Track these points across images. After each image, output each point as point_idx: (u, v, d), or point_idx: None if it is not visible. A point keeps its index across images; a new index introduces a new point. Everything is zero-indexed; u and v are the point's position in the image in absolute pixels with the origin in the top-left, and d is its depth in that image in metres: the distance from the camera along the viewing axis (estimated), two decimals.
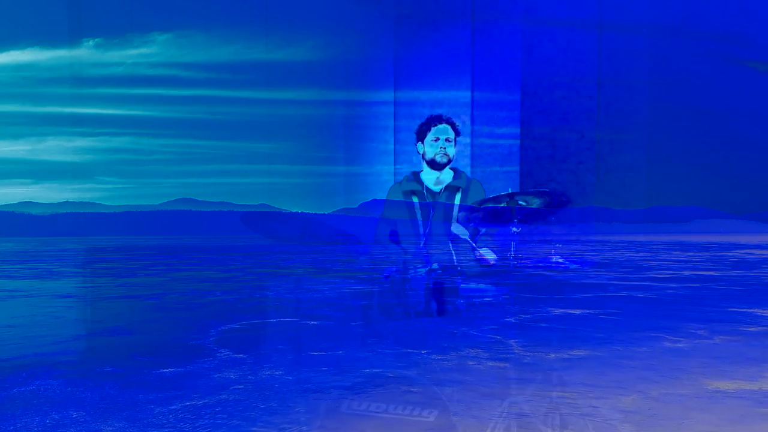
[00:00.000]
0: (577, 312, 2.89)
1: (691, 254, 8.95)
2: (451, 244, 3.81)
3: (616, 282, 4.40)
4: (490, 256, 3.52)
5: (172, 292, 3.91)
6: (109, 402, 1.42)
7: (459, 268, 3.74)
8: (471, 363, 1.78)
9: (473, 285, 3.61)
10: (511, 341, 2.13)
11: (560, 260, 4.19)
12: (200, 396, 1.48)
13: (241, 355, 1.93)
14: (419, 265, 3.76)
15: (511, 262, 3.63)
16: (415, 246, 3.77)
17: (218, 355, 1.94)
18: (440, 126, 3.66)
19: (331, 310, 2.93)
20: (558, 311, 2.91)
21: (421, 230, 3.76)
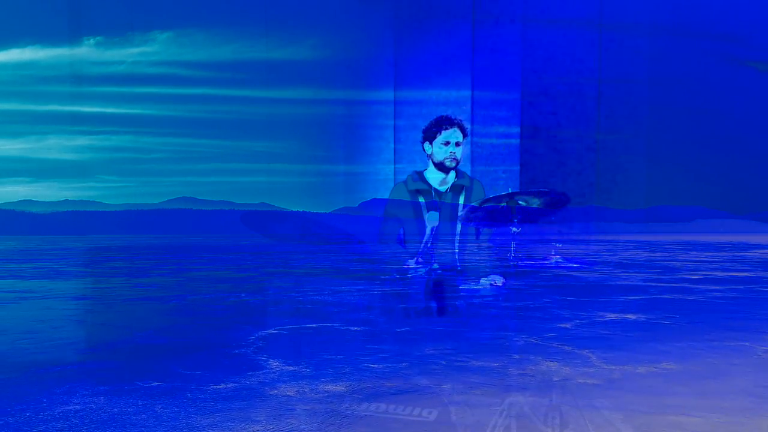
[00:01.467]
0: (633, 317, 2.71)
1: (710, 254, 8.77)
2: (456, 244, 3.81)
3: (651, 284, 4.22)
4: (498, 282, 3.54)
5: (192, 293, 3.72)
6: (167, 427, 1.23)
7: (460, 268, 3.76)
8: (556, 379, 1.60)
9: (502, 286, 3.58)
10: (585, 351, 1.95)
11: (560, 260, 4.14)
12: (264, 421, 1.30)
13: (293, 367, 1.75)
14: (420, 265, 3.77)
15: (512, 263, 3.66)
16: (421, 245, 3.77)
17: (268, 366, 1.76)
18: (450, 129, 3.65)
19: (369, 314, 2.75)
20: (612, 316, 2.73)
21: (428, 230, 3.74)
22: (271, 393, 1.49)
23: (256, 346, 2.06)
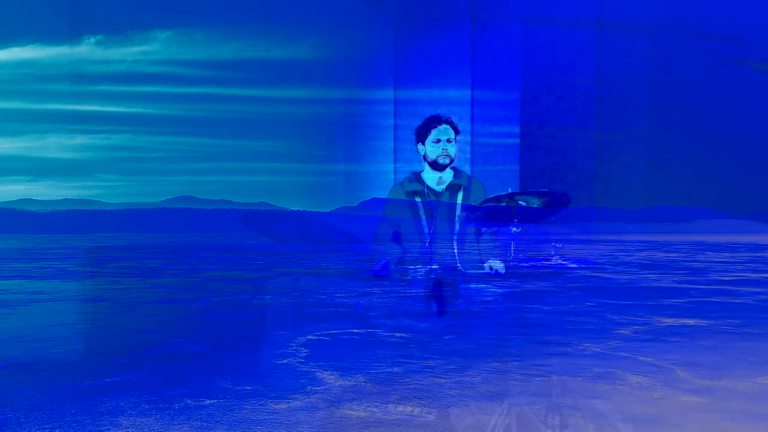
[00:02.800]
0: (692, 322, 2.54)
1: (728, 255, 8.62)
2: (455, 244, 3.79)
3: (688, 286, 4.06)
4: (498, 266, 3.55)
5: (213, 294, 3.55)
6: None
7: (460, 268, 3.72)
8: (656, 396, 1.43)
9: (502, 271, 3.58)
10: (665, 363, 1.78)
11: (560, 260, 4.20)
12: None
13: (350, 381, 1.58)
14: (419, 265, 3.72)
15: (512, 262, 3.64)
16: (419, 245, 3.75)
17: (322, 379, 1.59)
18: (440, 127, 3.66)
19: (408, 319, 2.58)
20: (669, 321, 2.56)
21: (426, 230, 3.75)
22: (339, 415, 1.33)
23: (301, 354, 1.89)
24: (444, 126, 3.69)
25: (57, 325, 2.51)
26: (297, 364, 1.76)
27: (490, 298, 3.23)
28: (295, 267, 5.97)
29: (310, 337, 2.19)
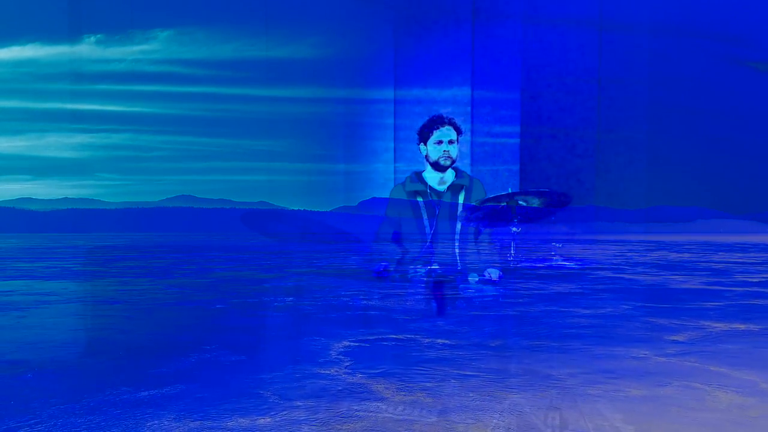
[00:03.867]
0: (742, 327, 2.41)
1: (741, 255, 8.50)
2: (456, 244, 3.78)
3: (719, 288, 3.93)
4: (494, 274, 3.52)
5: (232, 296, 3.41)
6: None
7: (460, 267, 3.70)
8: (754, 414, 1.30)
9: (498, 280, 3.52)
10: (744, 374, 1.65)
11: (560, 260, 4.19)
12: None
13: (413, 395, 1.44)
14: (419, 265, 3.73)
15: (512, 262, 3.66)
16: (420, 245, 3.75)
17: (380, 394, 1.46)
18: (443, 128, 3.65)
19: (446, 322, 2.45)
20: (719, 326, 2.43)
21: (428, 230, 3.74)
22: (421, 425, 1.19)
23: (345, 363, 1.76)
24: (446, 127, 3.67)
25: (76, 330, 2.38)
26: (343, 375, 1.63)
27: (522, 301, 3.10)
28: (306, 267, 5.84)
29: (346, 343, 2.06)
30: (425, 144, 3.74)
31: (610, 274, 4.92)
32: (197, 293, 3.59)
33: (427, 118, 3.77)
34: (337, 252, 8.39)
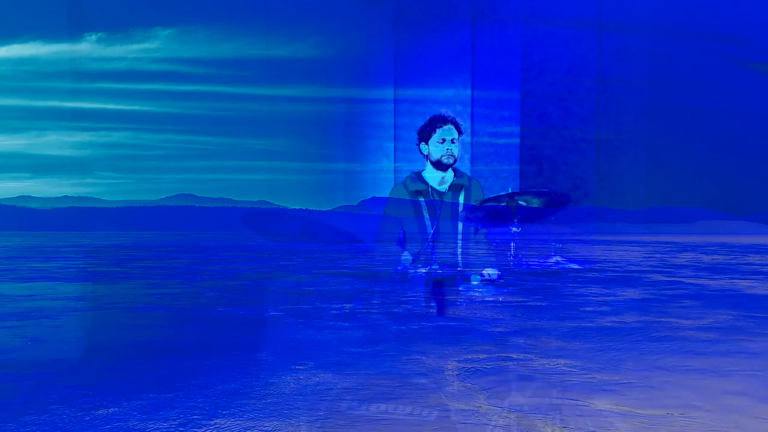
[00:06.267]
0: None
1: (760, 257, 8.25)
2: (458, 243, 3.77)
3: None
4: (493, 273, 3.52)
5: (280, 302, 3.14)
6: None
7: (460, 267, 3.68)
8: None
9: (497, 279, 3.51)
10: None
11: (560, 260, 4.20)
12: None
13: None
14: (420, 265, 3.70)
15: (512, 262, 3.62)
16: (422, 245, 3.74)
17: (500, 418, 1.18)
18: (445, 127, 3.64)
19: (553, 342, 2.17)
20: None
21: (429, 229, 3.72)
22: None
23: (474, 391, 1.48)
24: (448, 126, 3.66)
25: (128, 343, 2.10)
26: (492, 409, 1.35)
27: (606, 310, 2.82)
28: (334, 268, 5.57)
29: (455, 362, 1.77)
30: (426, 143, 3.72)
31: (663, 278, 4.66)
32: (240, 298, 3.32)
33: (427, 117, 3.76)
34: (350, 252, 8.14)
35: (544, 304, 3.04)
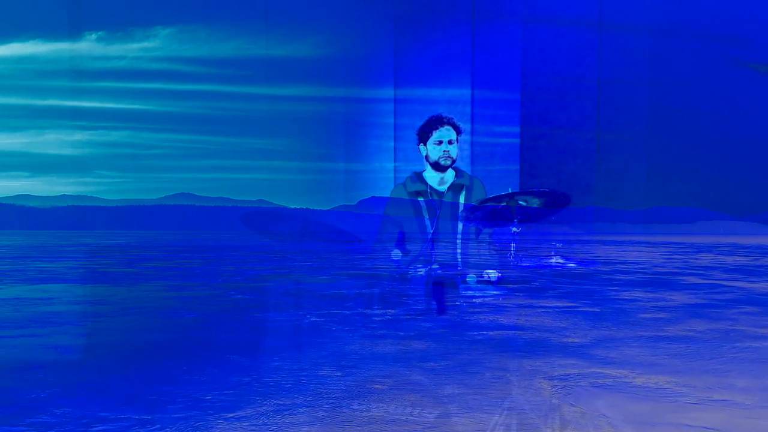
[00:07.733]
0: None
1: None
2: (458, 244, 3.79)
3: None
4: (493, 275, 3.54)
5: (314, 306, 2.97)
6: None
7: (460, 268, 3.71)
8: None
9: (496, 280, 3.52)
10: None
11: (560, 260, 4.15)
12: None
13: None
14: (420, 265, 3.70)
15: (512, 261, 3.57)
16: (422, 245, 3.75)
17: None
18: (442, 128, 3.65)
19: (638, 356, 2.00)
20: None
21: (429, 229, 3.73)
22: None
23: (592, 417, 1.31)
24: (446, 127, 3.66)
25: (179, 350, 1.92)
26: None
27: (669, 317, 2.65)
28: (350, 269, 5.39)
29: (543, 380, 1.59)
30: (425, 144, 3.71)
31: (700, 281, 4.50)
32: (272, 301, 3.15)
33: (426, 117, 3.78)
34: (361, 252, 7.97)
35: (597, 309, 2.87)
